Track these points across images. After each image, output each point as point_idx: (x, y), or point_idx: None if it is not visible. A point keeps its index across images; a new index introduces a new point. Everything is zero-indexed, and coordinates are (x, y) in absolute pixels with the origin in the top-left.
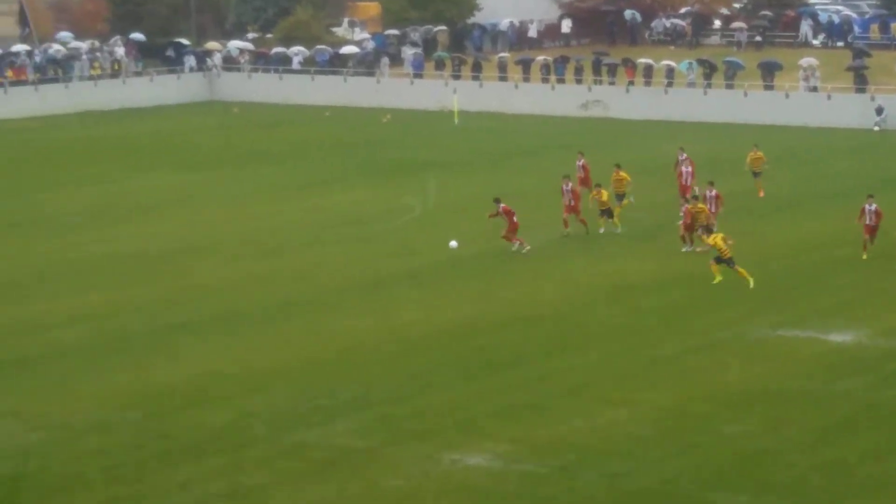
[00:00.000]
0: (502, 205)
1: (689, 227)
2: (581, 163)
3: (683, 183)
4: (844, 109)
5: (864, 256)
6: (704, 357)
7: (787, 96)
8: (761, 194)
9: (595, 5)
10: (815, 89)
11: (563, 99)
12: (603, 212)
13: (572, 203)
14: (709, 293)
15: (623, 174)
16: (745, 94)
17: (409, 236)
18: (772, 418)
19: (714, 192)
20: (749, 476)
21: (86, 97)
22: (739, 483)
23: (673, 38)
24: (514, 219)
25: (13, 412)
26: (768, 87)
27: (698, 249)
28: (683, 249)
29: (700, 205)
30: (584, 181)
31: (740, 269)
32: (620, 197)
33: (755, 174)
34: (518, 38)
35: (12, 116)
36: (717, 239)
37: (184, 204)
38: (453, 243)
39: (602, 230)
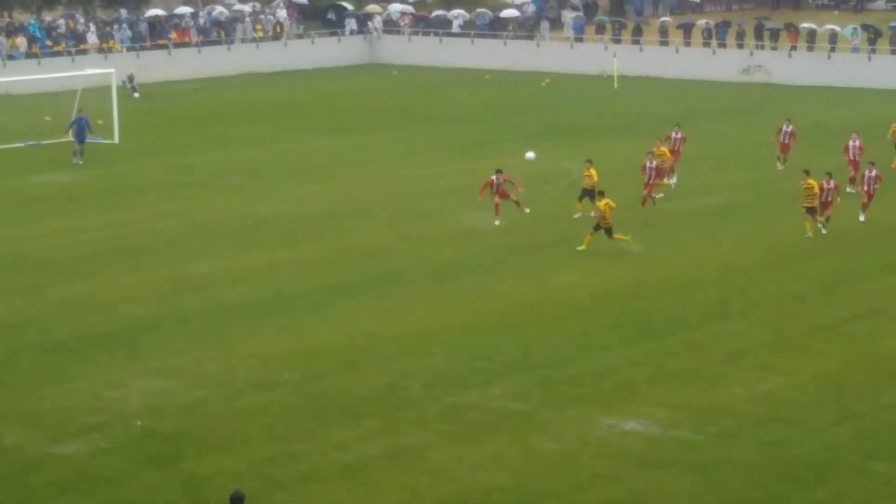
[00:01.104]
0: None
1: (825, 205)
2: (679, 135)
3: (783, 143)
4: None
5: None
6: (865, 324)
7: None
8: (894, 165)
9: None
10: None
11: (725, 64)
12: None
13: (651, 181)
14: (870, 259)
15: (593, 171)
16: None
17: (566, 200)
18: None
19: (874, 173)
20: None
21: (248, 59)
22: None
23: (837, 2)
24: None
25: (175, 370)
26: None
27: (592, 214)
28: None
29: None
30: (675, 154)
31: (618, 236)
32: (588, 192)
33: None
34: (679, 2)
35: (176, 78)
36: (602, 204)
37: (343, 166)
38: (530, 154)
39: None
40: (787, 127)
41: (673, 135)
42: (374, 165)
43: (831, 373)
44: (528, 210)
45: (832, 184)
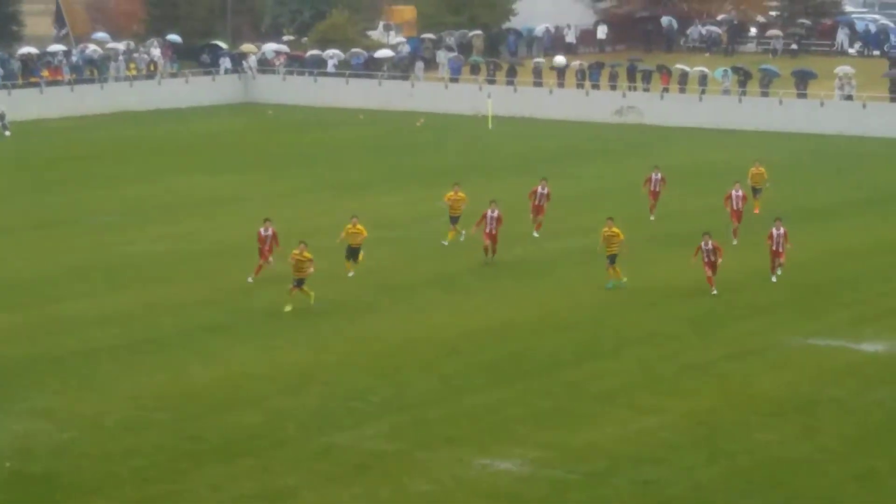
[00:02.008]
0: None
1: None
2: (658, 176)
3: (653, 191)
4: (880, 118)
5: None
6: (736, 365)
7: (822, 104)
8: (756, 211)
9: (631, 11)
10: (850, 98)
11: (598, 105)
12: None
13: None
14: (741, 301)
15: (461, 194)
16: (780, 102)
17: (441, 240)
18: (804, 427)
19: (782, 230)
20: (781, 485)
21: (121, 98)
22: (771, 492)
23: (708, 45)
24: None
25: (46, 411)
26: (803, 95)
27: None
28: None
29: (614, 229)
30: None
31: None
32: (454, 219)
33: (755, 190)
34: (553, 44)
35: (48, 116)
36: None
37: (219, 205)
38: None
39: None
40: (657, 175)
41: (653, 176)
42: (250, 204)
43: (703, 412)
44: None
45: (782, 230)
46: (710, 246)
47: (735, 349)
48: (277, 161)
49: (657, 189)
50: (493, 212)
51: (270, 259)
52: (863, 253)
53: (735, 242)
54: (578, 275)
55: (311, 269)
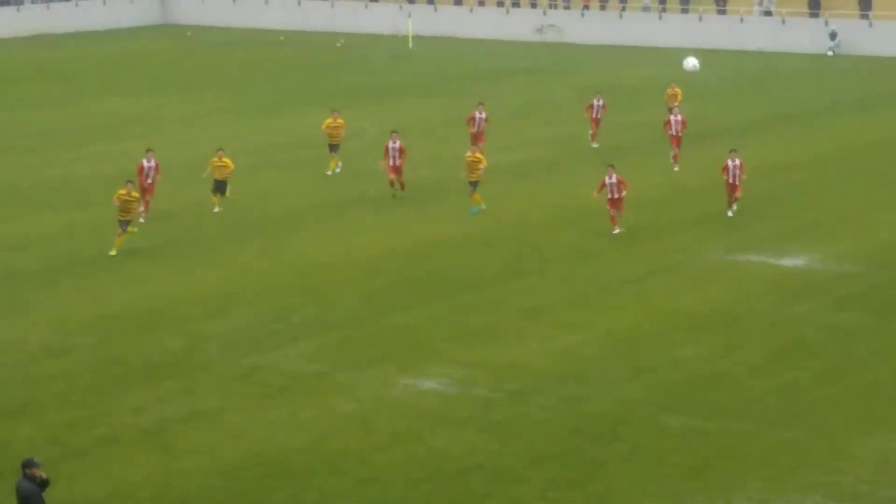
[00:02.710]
0: None
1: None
2: (600, 102)
3: (595, 118)
4: (798, 34)
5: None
6: (659, 281)
7: (741, 20)
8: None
9: None
10: (769, 14)
11: (518, 23)
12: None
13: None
14: (664, 218)
15: (340, 121)
16: (700, 19)
17: (363, 160)
18: (726, 341)
19: (738, 161)
20: (703, 398)
21: (38, 20)
22: (694, 406)
23: None
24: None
25: None
26: (722, 12)
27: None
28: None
29: (477, 154)
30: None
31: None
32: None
33: (670, 110)
34: None
35: None
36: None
37: (136, 127)
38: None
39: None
40: (598, 101)
41: (594, 102)
42: (170, 127)
43: (626, 328)
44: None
45: (737, 161)
46: (613, 179)
47: (658, 265)
48: (195, 83)
49: (598, 116)
50: (394, 143)
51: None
52: (784, 168)
53: (676, 168)
54: (500, 193)
55: (141, 209)
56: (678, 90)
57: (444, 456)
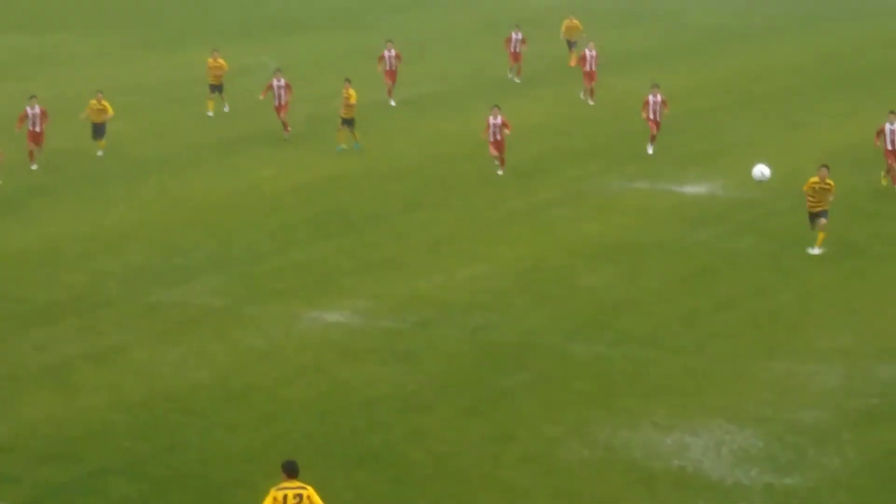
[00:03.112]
0: None
1: None
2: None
3: (514, 52)
4: None
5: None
6: (562, 210)
7: None
8: (572, 64)
9: None
10: None
11: None
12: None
13: None
14: (566, 146)
15: (221, 61)
16: None
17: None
18: (629, 269)
19: (659, 98)
20: (608, 326)
21: None
22: (598, 333)
23: None
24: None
25: None
26: None
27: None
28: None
29: (350, 90)
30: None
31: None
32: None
33: (570, 44)
34: None
35: None
36: None
37: (28, 66)
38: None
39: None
40: (517, 34)
41: (512, 35)
42: (63, 65)
43: (530, 258)
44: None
45: (658, 97)
46: (498, 120)
47: (560, 194)
48: (90, 20)
49: (517, 50)
50: (278, 80)
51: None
52: (686, 96)
53: (591, 103)
54: (399, 127)
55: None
56: (576, 21)
57: (350, 387)
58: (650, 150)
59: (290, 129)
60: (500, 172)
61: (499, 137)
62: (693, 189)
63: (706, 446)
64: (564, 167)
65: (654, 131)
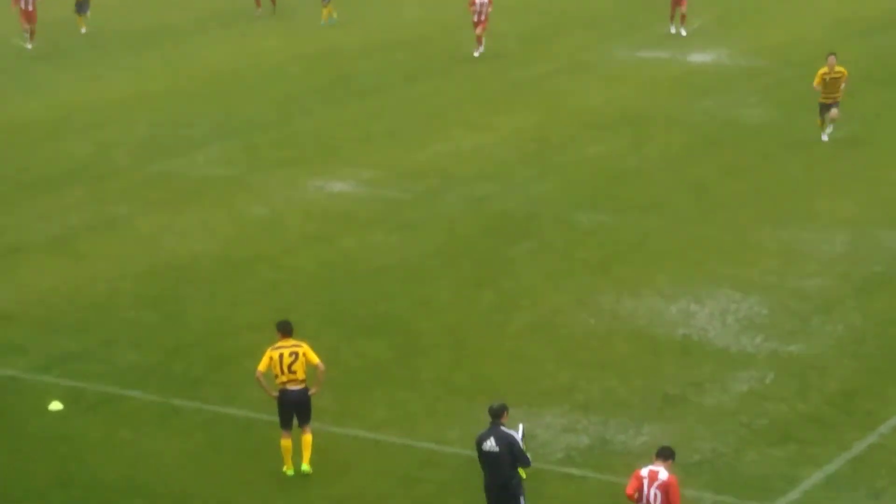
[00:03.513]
0: None
1: None
2: None
3: None
4: None
5: None
6: (566, 79)
7: None
8: None
9: None
10: None
11: None
12: None
13: None
14: (568, 15)
15: None
16: None
17: None
18: (635, 138)
19: None
20: (613, 195)
21: None
22: (602, 202)
23: None
24: None
25: None
26: None
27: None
28: None
29: None
30: None
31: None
32: None
33: None
34: None
35: None
36: None
37: None
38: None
39: None
40: None
41: None
42: None
43: (534, 128)
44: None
45: None
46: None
47: (565, 64)
48: None
49: None
50: None
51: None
52: None
53: None
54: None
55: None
56: None
57: (354, 257)
58: (672, 30)
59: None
60: (476, 54)
61: (482, 18)
62: (699, 58)
63: (711, 314)
64: (569, 37)
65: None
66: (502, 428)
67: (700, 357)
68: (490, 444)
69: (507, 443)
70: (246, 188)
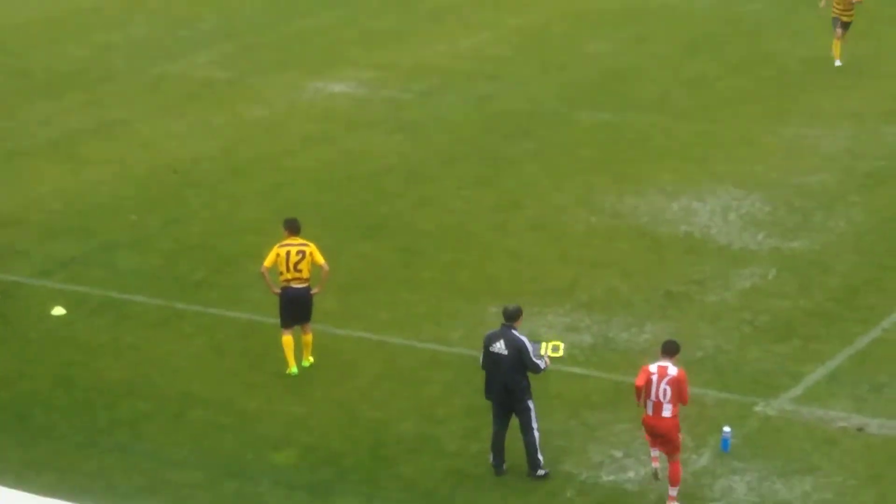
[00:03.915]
0: None
1: None
2: None
3: None
4: None
5: None
6: None
7: None
8: None
9: None
10: None
11: None
12: None
13: None
14: None
15: None
16: None
17: None
18: (635, 35)
19: None
20: (613, 93)
21: None
22: (603, 100)
23: None
24: None
25: None
26: None
27: None
28: None
29: None
30: None
31: None
32: None
33: None
34: None
35: None
36: None
37: None
38: None
39: None
40: None
41: None
42: None
43: (535, 26)
44: None
45: None
46: None
47: None
48: None
49: None
50: None
51: None
52: None
53: None
54: None
55: None
56: None
57: (355, 158)
58: None
59: None
60: None
61: None
62: None
63: (713, 211)
64: None
65: None
66: (513, 331)
67: (702, 254)
68: (499, 346)
69: (516, 347)
70: (246, 90)
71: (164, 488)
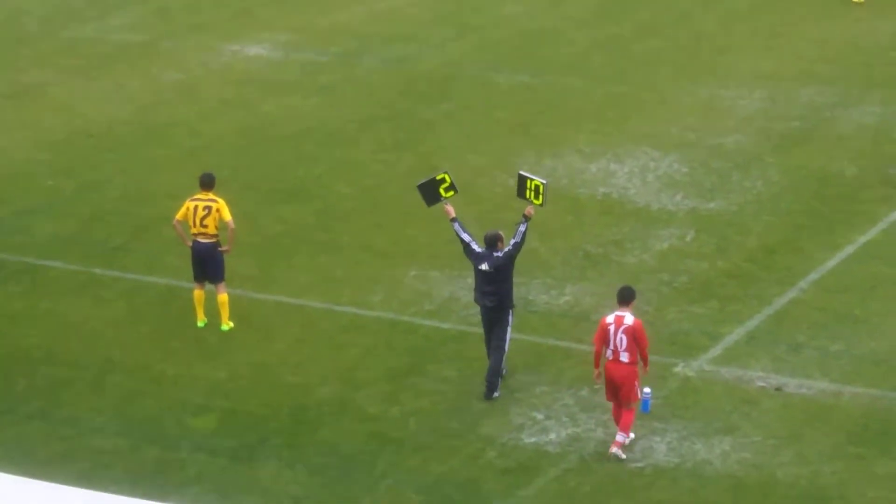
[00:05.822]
0: None
1: None
2: None
3: None
4: None
5: None
6: None
7: None
8: None
9: None
10: None
11: None
12: None
13: None
14: None
15: None
16: None
17: None
18: None
19: None
20: (530, 55)
21: None
22: (520, 62)
23: None
24: None
25: None
26: None
27: None
28: None
29: None
30: None
31: None
32: None
33: None
34: None
35: None
36: None
37: None
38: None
39: None
40: None
41: None
42: None
43: None
44: None
45: None
46: None
47: None
48: None
49: None
50: None
51: None
52: None
53: None
54: None
55: None
56: None
57: (273, 121)
58: None
59: None
60: None
61: None
62: None
63: (631, 173)
64: None
65: None
66: (496, 254)
67: (621, 216)
68: (486, 266)
69: (501, 264)
70: (161, 53)
71: (84, 455)
